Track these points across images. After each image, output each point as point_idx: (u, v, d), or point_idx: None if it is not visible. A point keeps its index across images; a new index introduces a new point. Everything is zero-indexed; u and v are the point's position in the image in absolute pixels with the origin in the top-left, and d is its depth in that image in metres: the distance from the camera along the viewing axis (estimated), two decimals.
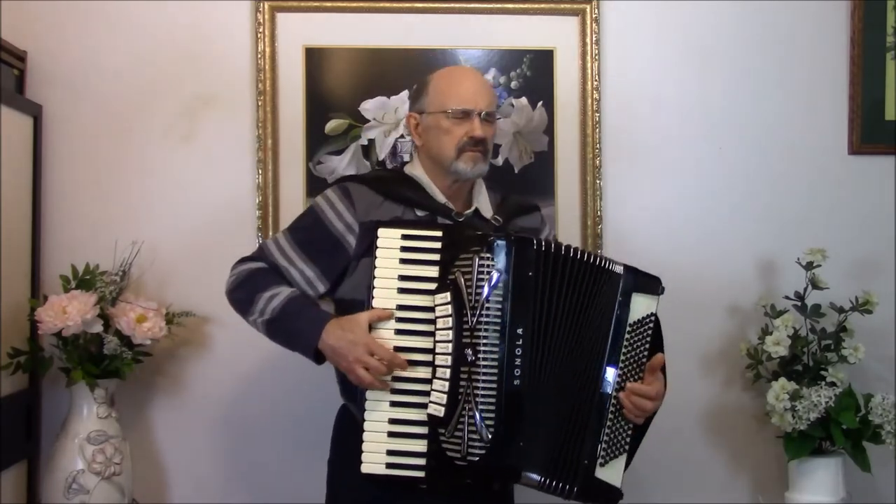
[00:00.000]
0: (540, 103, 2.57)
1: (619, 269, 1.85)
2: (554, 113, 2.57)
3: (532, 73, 2.57)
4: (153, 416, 2.52)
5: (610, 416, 1.83)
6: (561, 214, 2.56)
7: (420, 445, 1.78)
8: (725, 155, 2.61)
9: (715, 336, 2.60)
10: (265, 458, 2.53)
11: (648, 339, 1.87)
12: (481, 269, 1.76)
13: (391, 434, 1.80)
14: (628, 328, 1.84)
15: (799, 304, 2.45)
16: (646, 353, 1.87)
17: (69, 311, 2.20)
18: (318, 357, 1.89)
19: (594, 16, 2.56)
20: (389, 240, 1.84)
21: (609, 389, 1.82)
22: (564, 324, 1.80)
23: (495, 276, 1.75)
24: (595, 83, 2.56)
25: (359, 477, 1.80)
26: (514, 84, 2.57)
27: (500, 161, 2.56)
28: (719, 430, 2.60)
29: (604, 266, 1.84)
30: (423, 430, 1.78)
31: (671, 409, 2.54)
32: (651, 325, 1.87)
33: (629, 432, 1.87)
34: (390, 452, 1.79)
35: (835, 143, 2.62)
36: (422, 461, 1.78)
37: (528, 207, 2.13)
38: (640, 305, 1.85)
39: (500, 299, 1.75)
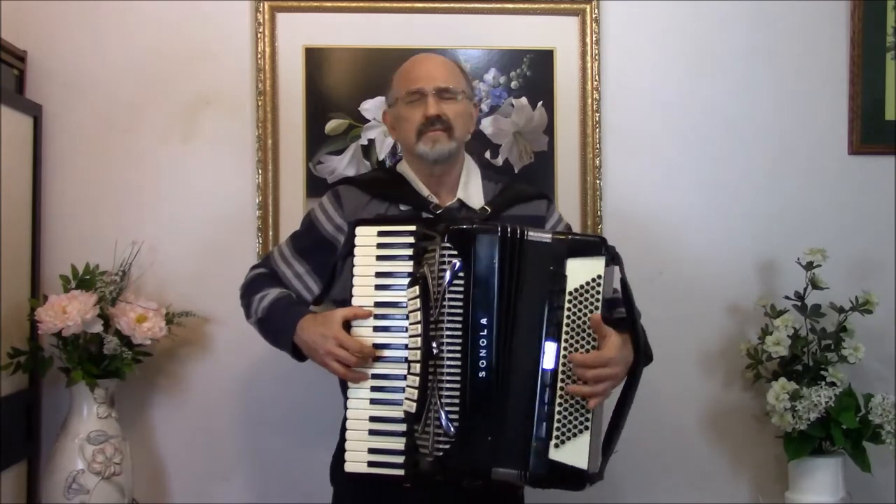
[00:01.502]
0: (540, 103, 2.57)
1: (546, 238, 1.78)
2: (554, 113, 2.57)
3: (532, 73, 2.57)
4: (153, 416, 2.52)
5: (560, 392, 1.75)
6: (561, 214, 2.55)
7: (399, 443, 1.78)
8: (725, 155, 2.61)
9: (715, 336, 2.60)
10: (265, 457, 2.52)
11: (597, 303, 1.76)
12: (443, 261, 1.75)
13: (372, 432, 1.80)
14: (568, 297, 1.75)
15: (799, 304, 2.45)
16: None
17: (69, 311, 2.20)
18: (299, 354, 1.92)
19: (594, 16, 2.56)
20: (367, 237, 1.85)
21: (552, 365, 1.74)
22: (519, 307, 1.77)
23: (456, 265, 1.74)
24: (595, 83, 2.57)
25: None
26: (514, 84, 2.57)
27: (500, 161, 2.56)
28: (719, 430, 2.60)
29: (527, 238, 1.78)
30: (401, 427, 1.78)
31: (671, 409, 2.57)
32: (597, 289, 1.76)
33: (587, 408, 1.76)
34: (371, 451, 1.80)
35: (835, 144, 2.62)
36: (400, 459, 1.78)
37: (532, 195, 2.09)
38: (580, 271, 1.76)
39: (462, 290, 1.74)
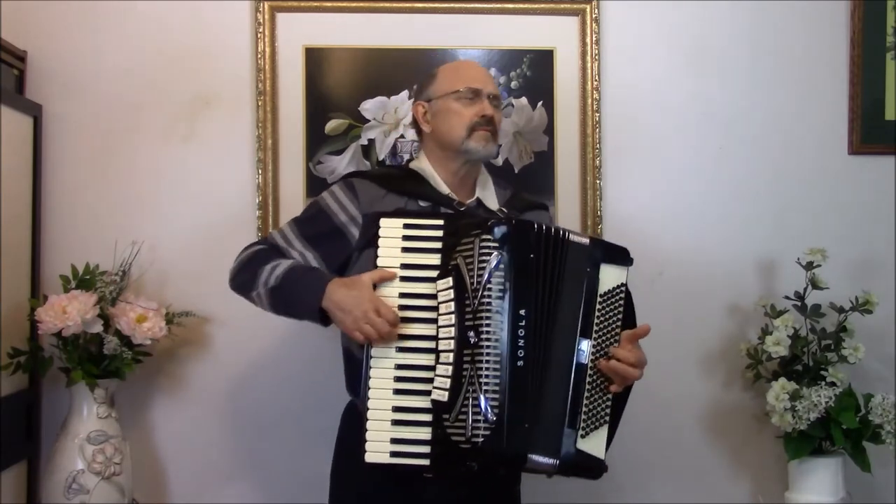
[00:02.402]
0: (540, 103, 2.57)
1: (585, 241, 1.87)
2: (554, 113, 2.57)
3: (532, 73, 2.57)
4: (153, 416, 2.52)
5: (588, 386, 1.83)
6: (561, 214, 2.56)
7: (424, 433, 1.78)
8: (725, 155, 2.61)
9: (715, 336, 2.60)
10: (265, 457, 2.53)
11: (620, 309, 1.88)
12: (482, 252, 1.77)
13: (395, 422, 1.80)
14: (599, 298, 1.85)
15: (799, 304, 2.45)
16: (618, 323, 1.88)
17: (69, 311, 2.20)
18: (324, 319, 1.89)
19: (594, 16, 2.57)
20: (392, 229, 1.85)
21: (584, 360, 1.83)
22: (556, 302, 1.82)
23: (496, 258, 1.76)
24: (595, 83, 2.57)
25: (361, 469, 1.80)
26: (514, 84, 2.57)
27: (500, 161, 2.56)
28: (719, 430, 2.60)
29: (571, 239, 1.85)
30: (428, 417, 1.78)
31: (671, 409, 2.57)
32: (622, 295, 1.89)
33: (608, 402, 1.87)
34: (394, 441, 1.79)
35: (835, 143, 2.62)
36: (426, 448, 1.78)
37: (538, 205, 2.16)
38: (610, 276, 1.87)
39: (502, 281, 1.77)
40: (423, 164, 2.06)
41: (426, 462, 1.78)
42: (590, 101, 2.57)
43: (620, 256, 1.90)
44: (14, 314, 2.31)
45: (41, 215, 2.46)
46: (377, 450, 1.79)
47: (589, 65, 2.56)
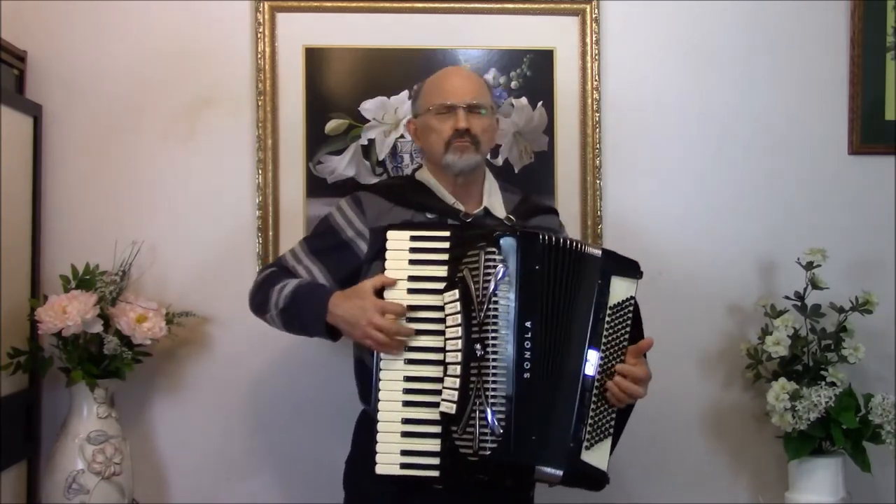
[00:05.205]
0: (540, 103, 2.57)
1: (597, 253, 1.88)
2: (554, 113, 2.57)
3: (532, 73, 2.57)
4: (153, 416, 2.52)
5: (594, 398, 1.84)
6: (561, 214, 2.54)
7: (434, 444, 1.79)
8: (725, 155, 2.61)
9: (715, 336, 2.60)
10: (265, 457, 2.52)
11: (629, 322, 1.90)
12: (488, 265, 1.79)
13: (405, 434, 1.81)
14: (609, 311, 1.86)
15: (799, 304, 2.45)
16: (626, 336, 1.89)
17: (69, 311, 2.20)
18: (333, 334, 1.91)
19: (594, 16, 2.57)
20: (399, 241, 1.87)
21: (592, 372, 1.84)
22: (565, 314, 1.83)
23: (501, 270, 1.78)
24: (595, 83, 2.57)
25: (373, 479, 1.81)
26: (514, 84, 2.57)
27: (500, 161, 2.56)
28: (719, 430, 2.60)
29: (584, 251, 1.87)
30: (437, 428, 1.79)
31: (671, 409, 2.57)
32: (630, 308, 1.90)
33: (613, 415, 1.88)
34: (404, 452, 1.80)
35: (835, 143, 2.62)
36: (436, 460, 1.79)
37: (547, 209, 2.18)
38: (620, 289, 1.88)
39: (508, 293, 1.78)
40: (427, 176, 2.08)
41: (436, 473, 1.79)
42: (590, 101, 2.57)
43: (631, 269, 1.92)
44: (14, 314, 2.31)
45: (41, 215, 2.46)
46: (387, 461, 1.81)
47: (589, 65, 2.56)
